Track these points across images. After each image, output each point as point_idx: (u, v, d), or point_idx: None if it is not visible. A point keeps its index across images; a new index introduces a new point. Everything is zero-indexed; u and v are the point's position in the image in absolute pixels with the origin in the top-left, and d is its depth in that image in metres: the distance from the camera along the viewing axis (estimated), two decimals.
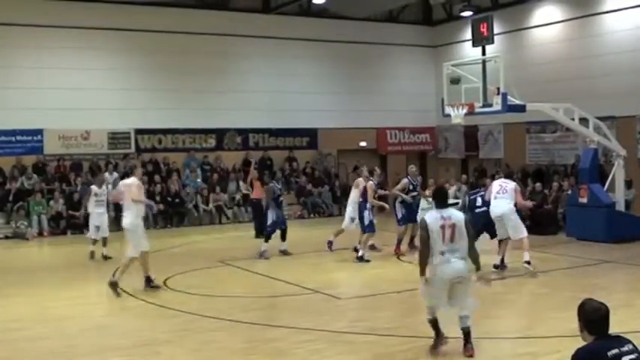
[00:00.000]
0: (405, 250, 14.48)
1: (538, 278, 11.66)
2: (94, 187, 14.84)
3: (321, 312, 9.65)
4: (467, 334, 7.22)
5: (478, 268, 7.34)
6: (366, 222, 13.85)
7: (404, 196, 14.60)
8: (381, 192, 15.15)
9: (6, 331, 8.77)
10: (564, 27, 21.72)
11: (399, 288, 11.03)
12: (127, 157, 21.95)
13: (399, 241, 14.63)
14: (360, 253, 13.67)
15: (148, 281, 11.05)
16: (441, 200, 7.30)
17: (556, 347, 7.34)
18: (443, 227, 6.98)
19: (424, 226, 7.08)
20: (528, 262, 11.88)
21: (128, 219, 10.96)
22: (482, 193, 12.97)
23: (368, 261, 13.59)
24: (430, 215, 7.19)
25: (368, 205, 13.92)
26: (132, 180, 11.19)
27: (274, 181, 15.64)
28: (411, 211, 14.67)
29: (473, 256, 7.22)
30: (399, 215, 14.74)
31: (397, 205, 14.79)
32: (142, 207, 11.29)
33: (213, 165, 22.97)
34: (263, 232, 17.65)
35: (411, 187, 14.75)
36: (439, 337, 7.33)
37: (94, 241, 14.52)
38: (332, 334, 8.29)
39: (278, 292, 11.09)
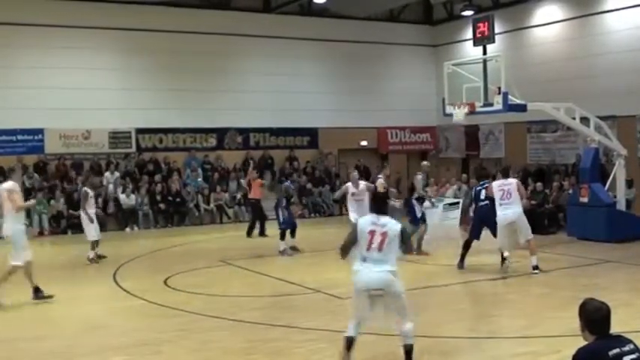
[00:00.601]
0: (429, 251, 14.26)
1: (539, 278, 11.65)
2: (89, 191, 14.37)
3: (322, 311, 9.65)
4: (408, 352, 6.74)
5: None
6: None
7: (422, 192, 14.34)
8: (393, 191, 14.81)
9: (6, 331, 8.77)
10: (565, 26, 21.70)
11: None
12: (128, 156, 21.98)
13: (419, 243, 14.10)
14: None
15: (37, 291, 10.42)
16: (378, 205, 6.98)
17: (556, 347, 7.33)
18: (372, 233, 6.59)
19: (354, 226, 6.81)
20: (536, 268, 11.86)
21: (8, 225, 10.32)
22: (487, 185, 12.57)
23: None
24: (365, 218, 6.94)
25: None
26: (8, 185, 10.45)
27: (289, 181, 15.59)
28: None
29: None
30: (418, 213, 14.29)
31: (414, 203, 14.36)
32: (22, 213, 10.60)
33: (214, 164, 22.98)
34: (253, 231, 17.72)
35: (424, 183, 14.63)
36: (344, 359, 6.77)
37: (96, 243, 14.34)
38: (333, 333, 8.27)
39: (279, 292, 11.09)
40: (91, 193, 14.39)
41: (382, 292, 6.62)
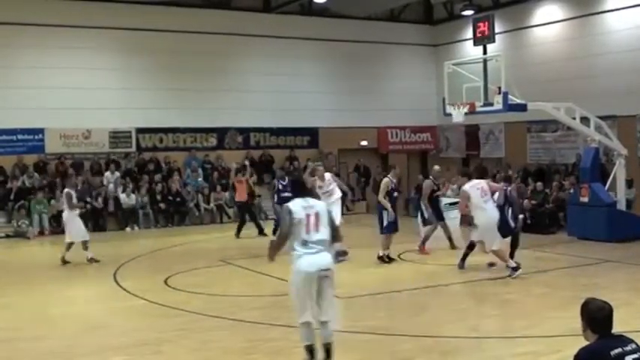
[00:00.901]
0: (430, 250, 14.30)
1: (539, 278, 11.65)
2: (72, 192, 14.28)
3: None
4: (328, 349, 6.61)
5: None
6: (385, 223, 13.02)
7: (426, 204, 14.45)
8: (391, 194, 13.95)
9: (6, 331, 8.76)
10: (565, 26, 21.69)
11: (400, 288, 11.04)
12: (128, 156, 21.97)
13: (424, 241, 14.30)
14: (380, 253, 13.10)
15: None
16: (299, 189, 7.08)
17: (556, 347, 7.33)
18: (307, 217, 6.61)
19: (288, 212, 6.66)
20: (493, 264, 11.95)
21: None
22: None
23: (388, 261, 13.13)
24: (294, 202, 6.78)
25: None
26: None
27: (278, 178, 15.59)
28: (438, 210, 14.63)
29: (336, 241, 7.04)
30: (426, 215, 14.52)
31: (422, 204, 14.60)
32: None
33: (214, 164, 22.98)
34: (241, 231, 17.68)
35: (435, 188, 14.64)
36: None
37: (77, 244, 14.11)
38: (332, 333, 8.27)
39: (279, 292, 11.03)
40: (74, 193, 14.41)
41: (329, 273, 6.67)
